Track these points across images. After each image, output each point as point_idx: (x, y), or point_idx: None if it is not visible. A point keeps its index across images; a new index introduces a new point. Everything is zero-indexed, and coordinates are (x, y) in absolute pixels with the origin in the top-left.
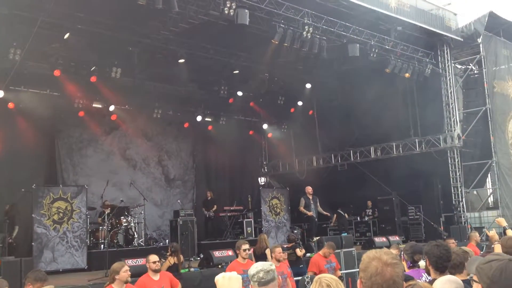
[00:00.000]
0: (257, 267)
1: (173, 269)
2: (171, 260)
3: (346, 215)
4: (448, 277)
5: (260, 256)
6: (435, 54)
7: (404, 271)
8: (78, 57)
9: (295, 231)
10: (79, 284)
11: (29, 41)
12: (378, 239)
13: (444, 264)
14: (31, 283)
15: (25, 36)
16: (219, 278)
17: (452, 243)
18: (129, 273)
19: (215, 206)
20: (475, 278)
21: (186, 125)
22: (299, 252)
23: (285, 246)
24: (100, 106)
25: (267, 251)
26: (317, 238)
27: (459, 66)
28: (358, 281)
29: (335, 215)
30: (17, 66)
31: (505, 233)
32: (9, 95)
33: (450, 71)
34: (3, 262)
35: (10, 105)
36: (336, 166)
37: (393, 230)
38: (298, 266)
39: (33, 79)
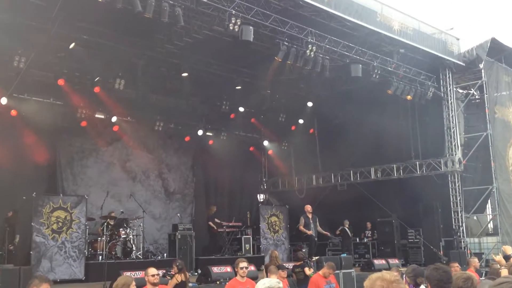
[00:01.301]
0: (264, 284)
1: (180, 287)
2: (178, 277)
3: (351, 234)
4: None
5: None
6: (437, 78)
7: None
8: (83, 67)
9: (304, 250)
10: None
11: (35, 50)
12: (377, 261)
13: (445, 286)
14: (37, 286)
15: (30, 44)
16: None
17: (456, 266)
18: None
19: (216, 220)
20: None
21: (187, 138)
22: (308, 271)
23: (294, 264)
24: (102, 116)
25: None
26: (317, 257)
27: (460, 91)
28: None
29: (338, 231)
30: (21, 74)
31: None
32: (12, 102)
33: (452, 95)
34: (2, 270)
35: (13, 112)
36: (335, 186)
37: (392, 253)
38: (306, 284)
39: (36, 87)
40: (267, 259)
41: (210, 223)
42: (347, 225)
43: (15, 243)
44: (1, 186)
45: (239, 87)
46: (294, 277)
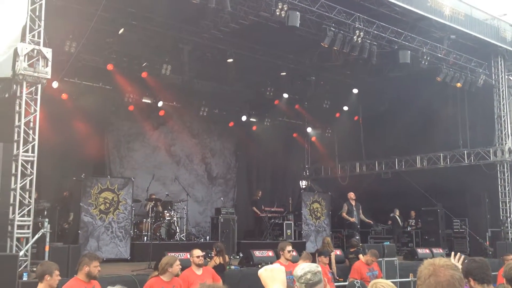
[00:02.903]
0: (303, 269)
1: (218, 269)
2: (217, 260)
3: (401, 223)
4: None
5: None
6: (488, 65)
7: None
8: (131, 52)
9: (357, 237)
10: (123, 274)
11: (85, 35)
12: (421, 251)
13: (487, 273)
14: (87, 264)
15: (81, 29)
16: (262, 271)
17: (510, 259)
18: (181, 267)
19: (263, 206)
20: None
21: (231, 124)
22: (362, 257)
23: (348, 250)
24: (149, 101)
25: (332, 255)
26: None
27: None
28: None
29: (390, 220)
30: (72, 58)
31: None
32: (63, 86)
33: (504, 83)
34: (51, 248)
35: (64, 96)
36: (379, 174)
37: (437, 242)
38: None
39: (86, 71)
40: (308, 245)
41: (254, 208)
42: (397, 214)
43: (70, 222)
44: (53, 167)
45: (283, 73)
46: (347, 262)
